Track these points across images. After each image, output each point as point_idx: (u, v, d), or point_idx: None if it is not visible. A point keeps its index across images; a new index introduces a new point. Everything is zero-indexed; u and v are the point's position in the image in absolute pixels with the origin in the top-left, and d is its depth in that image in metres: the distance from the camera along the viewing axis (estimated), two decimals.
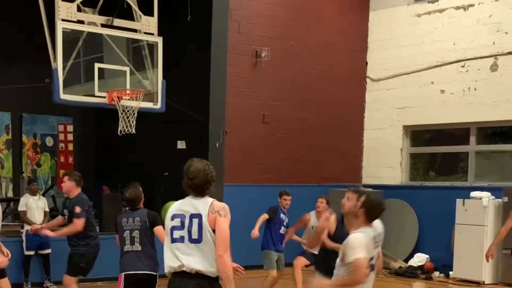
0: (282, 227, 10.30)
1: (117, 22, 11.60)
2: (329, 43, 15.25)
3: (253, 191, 13.68)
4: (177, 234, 4.95)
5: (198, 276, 4.91)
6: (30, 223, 11.13)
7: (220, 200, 13.14)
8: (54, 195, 14.70)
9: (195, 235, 4.90)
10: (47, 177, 15.49)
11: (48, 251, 11.23)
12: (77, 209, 8.48)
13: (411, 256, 14.38)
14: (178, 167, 15.49)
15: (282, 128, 14.66)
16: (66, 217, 9.04)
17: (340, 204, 16.01)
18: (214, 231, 4.90)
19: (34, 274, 11.26)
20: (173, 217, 5.00)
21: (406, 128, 15.42)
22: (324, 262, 6.80)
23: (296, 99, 14.80)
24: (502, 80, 13.68)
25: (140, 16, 11.76)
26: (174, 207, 5.08)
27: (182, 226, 4.93)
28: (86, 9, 11.36)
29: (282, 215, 10.36)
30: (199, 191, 4.99)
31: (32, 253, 11.14)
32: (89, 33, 11.32)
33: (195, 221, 4.90)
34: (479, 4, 14.07)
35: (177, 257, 4.94)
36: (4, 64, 14.10)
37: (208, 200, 5.02)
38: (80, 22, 11.23)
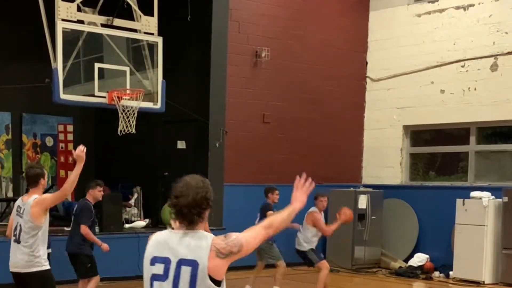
0: None
1: (117, 22, 11.61)
2: (329, 43, 15.25)
3: (253, 191, 13.65)
4: (158, 286, 3.62)
5: None
6: None
7: (220, 200, 13.22)
8: None
9: None
10: (47, 177, 15.48)
11: (49, 251, 11.18)
12: None
13: (411, 256, 14.38)
14: (178, 167, 15.55)
15: (282, 128, 14.66)
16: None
17: (340, 203, 16.02)
18: (217, 282, 3.57)
19: None
20: (154, 261, 3.64)
21: (406, 128, 15.41)
22: None
23: (296, 99, 14.80)
24: (502, 80, 13.68)
25: (140, 16, 11.76)
26: (154, 244, 3.68)
27: (165, 276, 3.58)
28: (86, 9, 11.37)
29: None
30: (186, 216, 3.61)
31: None
32: (89, 33, 11.33)
33: (186, 270, 3.54)
34: (479, 4, 14.07)
35: None
36: (4, 64, 14.11)
37: (205, 237, 3.61)
38: (80, 22, 11.23)
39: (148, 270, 3.65)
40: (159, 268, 3.60)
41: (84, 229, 9.13)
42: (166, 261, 3.58)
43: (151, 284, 3.63)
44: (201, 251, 3.54)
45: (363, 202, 14.50)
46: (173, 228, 3.74)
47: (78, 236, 9.19)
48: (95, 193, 9.41)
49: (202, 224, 3.66)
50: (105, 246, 9.31)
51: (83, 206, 9.26)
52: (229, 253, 3.58)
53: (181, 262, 3.54)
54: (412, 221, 14.67)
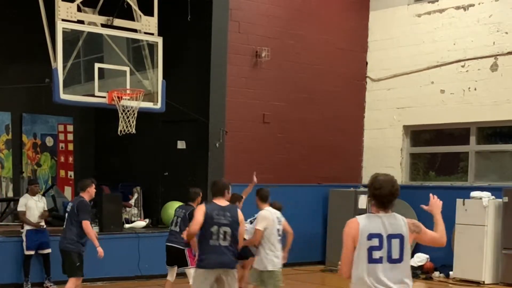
0: None
1: (117, 22, 11.61)
2: (329, 43, 15.25)
3: (253, 191, 13.64)
4: (376, 254, 4.83)
5: None
6: (29, 223, 11.12)
7: None
8: (54, 195, 14.71)
9: (395, 255, 4.87)
10: (47, 177, 15.49)
11: (48, 251, 11.23)
12: None
13: (411, 256, 14.34)
14: (178, 167, 15.55)
15: (282, 128, 14.66)
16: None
17: (339, 203, 15.98)
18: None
19: (34, 274, 11.26)
20: (370, 237, 4.86)
21: (406, 128, 15.41)
22: None
23: (296, 99, 14.80)
24: (502, 80, 13.68)
25: (140, 16, 11.76)
26: (366, 225, 4.89)
27: (380, 246, 4.83)
28: (86, 9, 11.37)
29: None
30: (384, 203, 4.92)
31: (32, 253, 11.14)
32: (89, 33, 11.33)
33: (395, 241, 4.87)
34: (479, 4, 14.07)
35: (379, 277, 4.82)
36: (4, 64, 14.11)
37: (400, 217, 5.00)
38: (80, 22, 11.23)
39: (366, 243, 4.81)
40: (375, 241, 4.80)
41: (88, 225, 9.12)
42: (379, 236, 4.82)
43: (370, 253, 4.81)
44: (402, 227, 4.92)
45: (363, 202, 14.49)
46: None
47: (72, 232, 9.16)
48: (92, 191, 9.44)
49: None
50: (100, 250, 9.18)
51: (81, 203, 9.21)
52: (414, 229, 5.04)
53: (390, 236, 4.84)
54: None
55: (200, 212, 7.31)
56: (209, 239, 7.20)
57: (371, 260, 4.81)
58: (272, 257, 8.53)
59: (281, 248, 8.76)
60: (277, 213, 8.78)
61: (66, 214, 9.35)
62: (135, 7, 11.71)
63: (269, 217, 8.56)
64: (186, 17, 12.72)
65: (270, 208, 8.76)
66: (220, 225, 7.22)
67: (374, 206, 4.96)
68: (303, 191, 14.84)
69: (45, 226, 11.37)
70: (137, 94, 11.46)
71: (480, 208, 12.86)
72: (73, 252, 9.17)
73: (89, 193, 9.39)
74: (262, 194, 8.78)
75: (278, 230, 8.66)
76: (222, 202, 7.43)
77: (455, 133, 15.15)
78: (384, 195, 4.89)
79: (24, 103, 14.85)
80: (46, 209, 11.57)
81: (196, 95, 13.50)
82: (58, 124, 15.68)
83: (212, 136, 13.32)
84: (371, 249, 4.81)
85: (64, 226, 9.39)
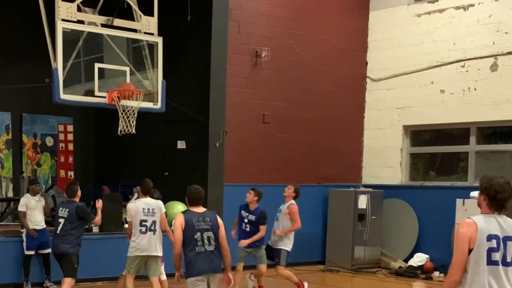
0: (243, 224, 10.61)
1: (117, 22, 11.61)
2: (329, 43, 15.25)
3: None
4: (494, 256, 4.77)
5: None
6: (26, 226, 11.09)
7: (220, 200, 13.23)
8: (54, 195, 14.71)
9: (509, 258, 4.81)
10: (47, 177, 15.50)
11: (48, 250, 11.20)
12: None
13: (411, 256, 14.38)
14: (178, 167, 15.52)
15: (282, 128, 14.66)
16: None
17: (339, 203, 15.95)
18: None
19: (34, 274, 11.26)
20: (490, 238, 4.79)
21: (406, 128, 15.41)
22: None
23: (296, 99, 14.80)
24: (502, 80, 13.68)
25: (140, 16, 11.77)
26: (484, 225, 4.83)
27: (498, 248, 4.78)
28: (86, 9, 11.37)
29: (242, 212, 10.63)
30: (502, 206, 4.87)
31: (32, 253, 11.14)
32: (89, 33, 11.33)
33: (510, 244, 4.81)
34: (479, 4, 14.07)
35: (498, 280, 4.79)
36: (4, 64, 14.11)
37: (510, 219, 4.96)
38: (80, 22, 11.24)
39: (486, 245, 4.75)
40: (493, 243, 4.77)
41: (99, 221, 9.75)
42: (497, 237, 4.78)
43: (489, 255, 4.77)
44: None
45: (363, 202, 14.50)
46: None
47: (72, 236, 9.26)
48: (79, 193, 9.67)
49: None
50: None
51: (81, 209, 9.43)
52: None
53: (506, 238, 4.81)
54: (412, 221, 14.67)
55: (178, 226, 7.10)
56: (195, 246, 7.05)
57: (490, 262, 4.74)
58: (132, 244, 9.51)
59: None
60: (150, 205, 9.66)
61: (62, 219, 9.37)
62: (135, 7, 11.71)
63: (132, 209, 9.63)
64: (186, 17, 12.72)
65: (143, 200, 9.71)
66: (203, 231, 7.09)
67: (487, 208, 4.86)
68: (303, 191, 14.80)
69: (45, 226, 11.36)
70: (137, 94, 11.46)
71: None
72: (73, 255, 9.30)
73: (78, 197, 9.63)
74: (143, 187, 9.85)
75: (142, 220, 9.52)
76: (199, 209, 7.27)
77: (455, 133, 15.14)
78: (505, 198, 4.83)
79: (24, 103, 14.86)
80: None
81: (196, 95, 13.50)
82: (58, 124, 15.69)
83: (212, 136, 13.32)
84: (490, 251, 4.74)
85: (58, 231, 9.39)
